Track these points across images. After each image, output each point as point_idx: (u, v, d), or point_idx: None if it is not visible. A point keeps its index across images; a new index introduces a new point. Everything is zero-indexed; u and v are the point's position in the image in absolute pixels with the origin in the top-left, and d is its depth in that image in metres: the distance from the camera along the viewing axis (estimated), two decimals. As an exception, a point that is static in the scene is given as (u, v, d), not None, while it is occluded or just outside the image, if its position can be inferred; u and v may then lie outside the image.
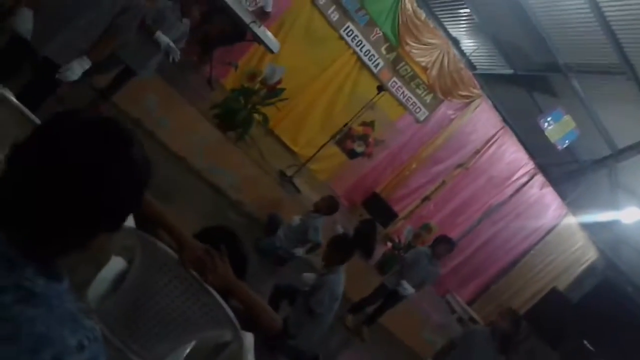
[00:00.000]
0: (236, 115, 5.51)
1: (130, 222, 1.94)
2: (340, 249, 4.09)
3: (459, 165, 9.79)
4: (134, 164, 0.92)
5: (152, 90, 5.18)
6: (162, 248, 1.75)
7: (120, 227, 0.96)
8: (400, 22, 8.41)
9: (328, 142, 6.87)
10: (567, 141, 9.61)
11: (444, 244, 5.90)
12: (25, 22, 2.81)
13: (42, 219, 0.86)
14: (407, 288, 5.76)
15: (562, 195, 10.95)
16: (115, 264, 2.03)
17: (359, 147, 7.28)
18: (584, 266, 11.47)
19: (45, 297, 0.85)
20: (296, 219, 5.54)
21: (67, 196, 0.85)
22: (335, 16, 8.11)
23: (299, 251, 5.39)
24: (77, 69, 3.13)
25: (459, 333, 5.15)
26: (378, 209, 9.12)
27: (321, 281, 3.91)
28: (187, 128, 5.48)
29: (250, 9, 7.14)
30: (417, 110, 9.14)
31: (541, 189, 10.52)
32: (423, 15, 8.62)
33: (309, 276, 4.14)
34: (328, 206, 5.58)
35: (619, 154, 10.18)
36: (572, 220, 10.94)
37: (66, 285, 0.91)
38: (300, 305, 3.88)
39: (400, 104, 9.00)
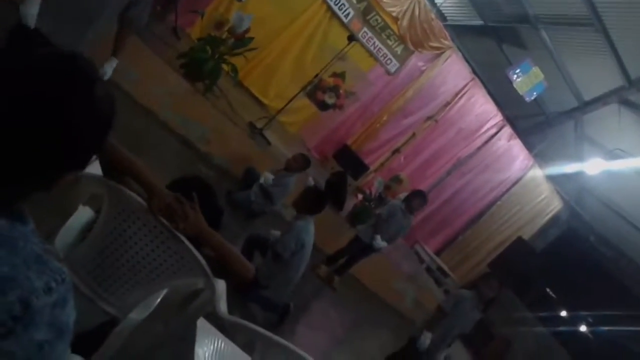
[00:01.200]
0: (203, 66, 5.37)
1: (97, 170, 1.89)
2: (311, 201, 4.11)
3: (429, 118, 9.83)
4: (96, 99, 0.87)
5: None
6: (130, 196, 1.72)
7: (84, 165, 0.92)
8: (371, -31, 8.23)
9: (298, 93, 6.78)
10: (535, 93, 9.70)
11: (418, 199, 5.98)
12: (29, 5, 2.51)
13: None
14: (380, 243, 5.86)
15: (529, 147, 11.14)
16: (83, 213, 1.99)
17: (329, 99, 7.20)
18: (548, 216, 11.81)
19: (8, 238, 0.81)
20: (269, 177, 5.50)
21: (25, 131, 0.80)
22: (306, -36, 7.88)
23: (274, 208, 5.38)
24: (109, 71, 3.19)
25: (447, 299, 5.37)
26: (349, 161, 9.14)
27: (289, 226, 3.95)
28: (154, 79, 5.33)
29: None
30: (388, 61, 9.05)
31: (509, 140, 10.68)
32: (395, -37, 8.45)
33: (277, 233, 4.15)
34: (299, 164, 5.54)
35: (585, 106, 10.34)
36: (538, 172, 11.18)
37: (31, 227, 0.88)
38: (270, 255, 3.91)
39: (371, 55, 8.90)
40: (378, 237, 5.91)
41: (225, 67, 5.58)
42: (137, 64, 5.17)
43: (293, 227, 3.91)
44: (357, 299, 6.85)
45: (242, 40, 5.57)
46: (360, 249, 6.08)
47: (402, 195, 6.29)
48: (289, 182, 5.38)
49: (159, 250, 1.75)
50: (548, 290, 12.30)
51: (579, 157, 11.15)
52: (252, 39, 5.64)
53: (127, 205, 1.74)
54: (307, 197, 4.15)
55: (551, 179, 11.34)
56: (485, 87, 10.33)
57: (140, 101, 5.25)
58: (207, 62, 5.37)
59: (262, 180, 5.43)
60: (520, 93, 9.63)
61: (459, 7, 10.83)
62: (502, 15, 9.97)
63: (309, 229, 3.95)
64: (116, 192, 1.74)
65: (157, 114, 5.38)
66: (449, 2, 10.82)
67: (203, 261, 1.74)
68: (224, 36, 5.55)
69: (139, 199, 1.71)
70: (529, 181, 11.22)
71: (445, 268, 10.69)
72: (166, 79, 5.39)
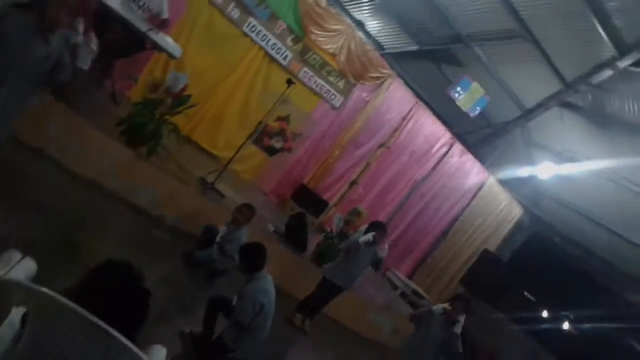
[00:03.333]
0: (143, 129, 5.30)
1: (20, 274, 1.82)
2: (249, 259, 4.01)
3: (380, 146, 9.95)
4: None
5: (52, 116, 4.89)
6: (56, 299, 1.64)
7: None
8: (302, 12, 8.38)
9: (245, 142, 6.76)
10: (478, 108, 9.97)
11: (378, 230, 5.93)
12: None
13: None
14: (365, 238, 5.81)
15: (482, 159, 11.40)
16: (11, 321, 1.89)
17: (277, 143, 7.21)
18: (511, 224, 12.02)
19: None
20: (224, 231, 5.42)
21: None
22: (235, 13, 7.97)
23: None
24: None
25: (423, 309, 5.63)
26: (308, 200, 9.15)
27: (241, 292, 3.85)
28: (95, 150, 5.23)
29: (146, 16, 6.88)
30: (332, 97, 9.17)
31: (461, 156, 10.88)
32: (324, 3, 8.63)
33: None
34: (245, 215, 5.46)
35: (528, 114, 10.68)
36: (493, 182, 11.41)
37: None
38: (232, 321, 3.81)
39: (315, 93, 9.00)
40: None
41: (166, 127, 5.53)
42: (75, 136, 5.09)
43: (245, 293, 3.80)
44: (335, 339, 6.75)
45: (180, 98, 5.54)
46: (328, 289, 6.01)
47: (363, 228, 6.26)
48: (240, 235, 5.30)
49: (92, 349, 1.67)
50: (526, 293, 12.43)
51: (531, 162, 11.47)
52: (190, 96, 5.63)
53: (54, 309, 1.66)
54: (244, 255, 4.05)
55: (507, 187, 11.59)
56: (431, 108, 10.57)
57: (84, 174, 5.14)
58: (147, 126, 5.31)
59: (218, 238, 5.34)
60: (464, 110, 9.89)
61: (394, 35, 11.13)
62: (436, 38, 10.29)
63: (264, 287, 3.86)
64: (40, 294, 1.66)
65: (102, 185, 5.26)
66: (384, 32, 11.12)
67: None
68: (161, 97, 5.51)
69: (65, 300, 1.64)
70: (487, 192, 11.42)
71: (420, 290, 10.68)
72: (107, 148, 5.30)
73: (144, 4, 6.85)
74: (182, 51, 7.15)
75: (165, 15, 7.05)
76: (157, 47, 6.96)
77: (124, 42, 6.77)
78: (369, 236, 5.74)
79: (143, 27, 6.49)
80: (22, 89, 2.71)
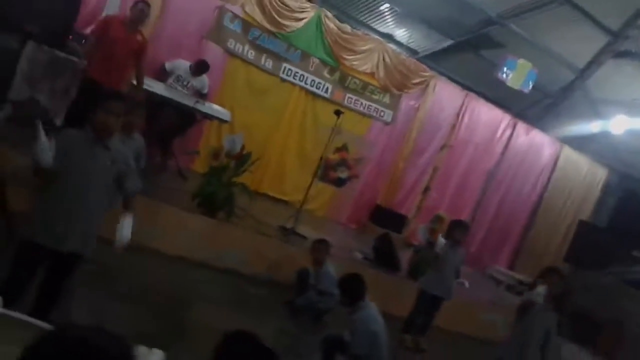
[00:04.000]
0: (216, 197, 5.53)
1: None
2: (349, 289, 4.05)
3: (443, 147, 9.85)
4: None
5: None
6: None
7: None
8: (330, 43, 8.55)
9: (312, 181, 6.90)
10: (530, 82, 9.71)
11: (457, 229, 5.85)
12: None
13: None
14: (464, 282, 5.70)
15: (549, 131, 11.03)
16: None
17: (342, 174, 7.29)
18: (599, 188, 11.52)
19: None
20: (312, 273, 5.49)
21: None
22: (269, 64, 8.25)
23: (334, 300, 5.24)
24: (127, 232, 3.01)
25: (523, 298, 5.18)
26: (386, 219, 9.13)
27: (352, 325, 3.85)
28: (177, 227, 5.49)
29: (190, 92, 7.25)
30: (382, 114, 9.22)
31: (527, 134, 10.58)
32: (348, 28, 8.79)
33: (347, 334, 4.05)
34: (321, 251, 5.51)
35: (583, 73, 10.26)
36: (568, 151, 10.99)
37: None
38: (350, 357, 3.83)
39: (364, 115, 9.10)
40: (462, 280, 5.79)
41: (236, 188, 5.74)
42: (156, 220, 5.36)
43: (356, 326, 3.82)
44: (453, 349, 6.59)
45: (242, 159, 5.75)
46: (429, 301, 5.91)
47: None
48: (327, 270, 5.34)
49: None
50: (634, 254, 11.73)
51: (600, 120, 10.95)
52: (249, 154, 5.82)
53: None
54: (343, 290, 4.11)
55: (584, 152, 11.12)
56: (483, 96, 10.39)
57: (172, 253, 5.38)
58: (219, 193, 5.53)
59: (311, 280, 5.40)
60: (516, 88, 9.65)
61: (424, 37, 11.09)
62: (467, 27, 10.16)
63: (372, 315, 3.87)
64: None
65: (192, 258, 5.48)
66: (414, 37, 11.09)
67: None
68: (224, 162, 5.74)
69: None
70: (565, 162, 11.00)
71: (525, 279, 10.32)
72: (188, 222, 5.54)
73: (188, 82, 7.24)
74: (230, 114, 7.48)
75: (206, 90, 7.44)
76: (207, 116, 7.33)
77: (177, 122, 7.17)
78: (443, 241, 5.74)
79: (190, 102, 6.85)
80: (102, 197, 2.89)
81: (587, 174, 11.28)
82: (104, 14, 6.87)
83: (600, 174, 11.42)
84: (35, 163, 2.56)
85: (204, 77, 7.41)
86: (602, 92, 10.56)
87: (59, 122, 6.04)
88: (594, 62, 9.69)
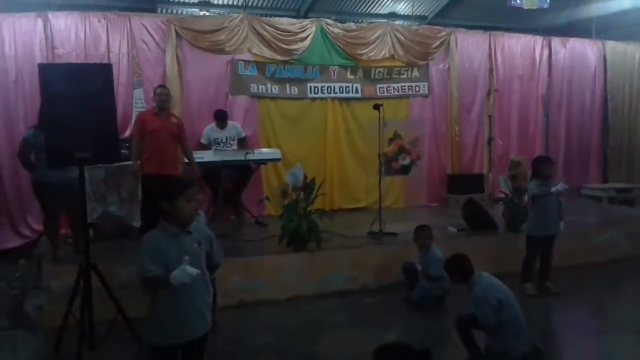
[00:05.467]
0: (300, 231, 5.67)
1: None
2: (455, 269, 4.06)
3: (489, 94, 9.68)
4: None
5: (229, 271, 5.36)
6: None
7: None
8: (341, 46, 8.64)
9: (380, 180, 6.97)
10: (547, -1, 9.42)
11: (544, 165, 5.66)
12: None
13: None
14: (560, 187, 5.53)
15: (585, 34, 10.64)
16: None
17: (404, 161, 7.27)
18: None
19: None
20: (418, 261, 5.50)
21: None
22: (294, 90, 8.44)
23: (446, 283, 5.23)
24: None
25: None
26: (463, 184, 9.10)
27: (474, 300, 3.83)
28: (279, 272, 5.67)
29: (234, 147, 7.51)
30: (417, 89, 9.21)
31: (565, 46, 10.25)
32: (352, 25, 8.89)
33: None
34: (426, 235, 5.52)
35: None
36: (612, 44, 10.56)
37: None
38: (486, 332, 3.82)
39: (401, 97, 9.09)
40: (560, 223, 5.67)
41: (314, 217, 5.88)
42: (256, 274, 5.57)
43: (476, 299, 3.78)
44: (581, 281, 6.38)
45: (308, 188, 5.87)
46: (540, 245, 5.78)
47: (529, 174, 6.03)
48: (434, 254, 5.34)
49: None
50: None
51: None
52: (313, 179, 5.93)
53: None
54: (451, 272, 4.14)
55: (629, 39, 10.62)
56: (506, 29, 10.19)
57: (282, 297, 5.57)
58: (300, 227, 5.67)
59: (422, 266, 5.40)
60: (535, 7, 9.40)
61: (425, 0, 11.00)
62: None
63: (488, 283, 3.82)
64: None
65: (302, 295, 5.65)
66: (416, 5, 11.01)
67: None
68: (294, 197, 5.88)
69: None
70: (614, 58, 10.62)
71: (623, 186, 9.95)
72: (286, 263, 5.72)
73: (226, 138, 7.52)
74: (279, 150, 7.71)
75: (243, 134, 7.70)
76: (260, 162, 7.58)
77: (236, 178, 7.44)
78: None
79: (240, 156, 7.10)
80: (203, 275, 3.01)
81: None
82: (135, 113, 7.30)
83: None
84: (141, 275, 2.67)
85: (233, 123, 7.70)
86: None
87: (137, 224, 6.42)
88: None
